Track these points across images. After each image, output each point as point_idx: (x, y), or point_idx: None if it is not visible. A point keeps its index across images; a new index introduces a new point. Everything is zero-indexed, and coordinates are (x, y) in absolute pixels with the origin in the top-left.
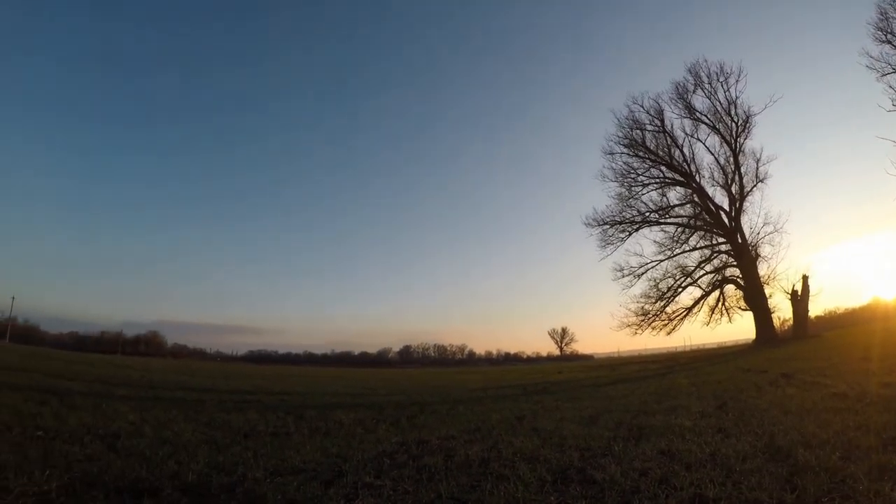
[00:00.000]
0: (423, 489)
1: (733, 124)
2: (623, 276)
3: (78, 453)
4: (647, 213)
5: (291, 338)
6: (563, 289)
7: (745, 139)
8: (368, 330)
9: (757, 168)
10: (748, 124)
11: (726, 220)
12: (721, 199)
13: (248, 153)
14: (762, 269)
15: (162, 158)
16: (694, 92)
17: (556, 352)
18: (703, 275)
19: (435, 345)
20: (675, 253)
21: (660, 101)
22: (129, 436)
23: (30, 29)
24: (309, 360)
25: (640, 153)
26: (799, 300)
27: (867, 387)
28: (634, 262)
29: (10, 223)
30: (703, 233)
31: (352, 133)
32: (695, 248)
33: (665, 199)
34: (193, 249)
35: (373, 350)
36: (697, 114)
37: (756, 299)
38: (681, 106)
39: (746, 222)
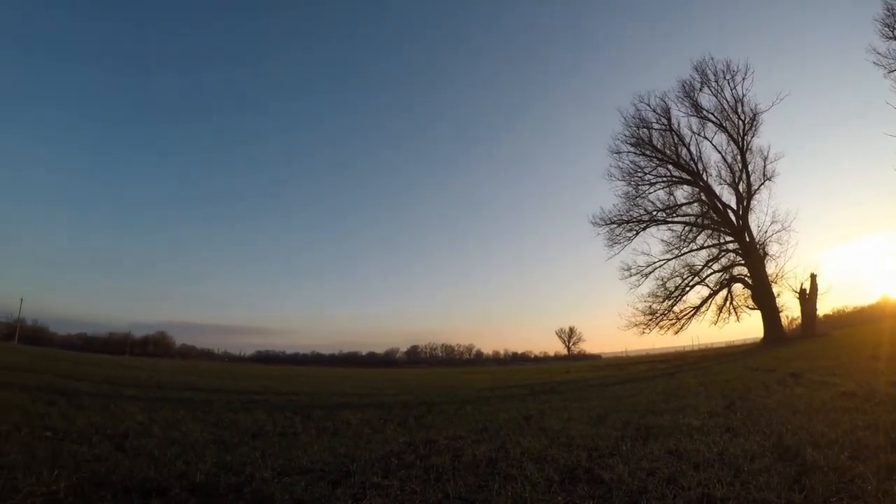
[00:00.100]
0: (430, 489)
1: (740, 122)
2: (630, 276)
3: (86, 453)
4: (655, 212)
5: (299, 338)
6: (571, 288)
7: (752, 137)
8: (375, 330)
9: (764, 166)
10: (755, 122)
11: (734, 219)
12: (728, 197)
13: (248, 153)
14: (770, 268)
15: (162, 158)
16: (700, 90)
17: (564, 351)
18: (711, 273)
19: (442, 345)
20: (682, 252)
21: (666, 99)
22: (137, 436)
23: (30, 28)
24: (316, 360)
25: (647, 152)
26: (807, 299)
27: (876, 386)
28: (642, 261)
29: (17, 224)
30: (710, 231)
31: (352, 133)
32: (702, 247)
33: (672, 197)
34: (198, 250)
35: (380, 350)
36: (704, 112)
37: (764, 298)
38: (687, 104)
39: (754, 221)
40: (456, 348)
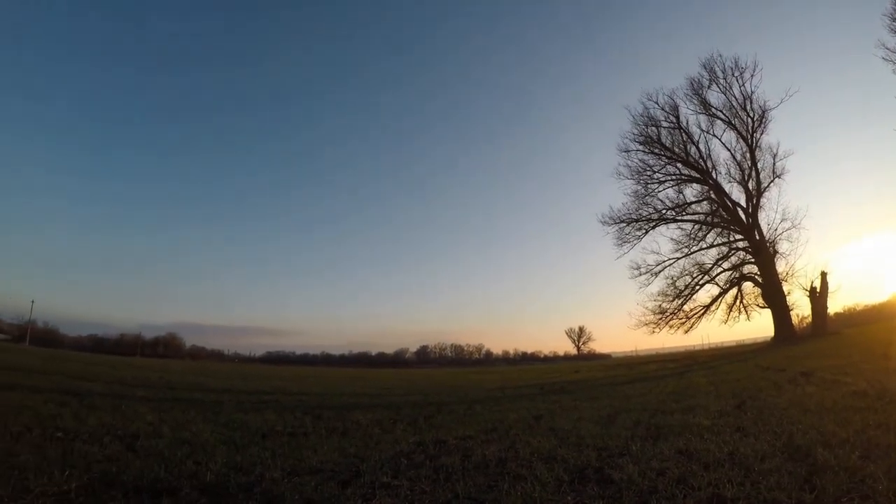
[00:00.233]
0: (440, 489)
1: (749, 119)
2: (640, 275)
3: (97, 454)
4: (664, 211)
5: (308, 339)
6: (580, 288)
7: (761, 134)
8: (385, 330)
9: (774, 163)
10: (764, 119)
11: (743, 217)
12: (738, 195)
13: (248, 153)
14: (780, 266)
15: (162, 158)
16: (709, 87)
17: (574, 351)
18: (721, 272)
19: (452, 345)
20: (692, 250)
21: (674, 97)
22: (147, 436)
23: (30, 28)
24: (326, 360)
25: (656, 150)
26: (818, 297)
27: (888, 384)
28: (651, 260)
29: (20, 225)
30: (720, 230)
31: (352, 133)
32: (712, 246)
33: (681, 196)
34: (203, 251)
35: (390, 350)
36: (713, 109)
37: (774, 296)
38: (696, 102)
39: (764, 218)
40: (465, 348)
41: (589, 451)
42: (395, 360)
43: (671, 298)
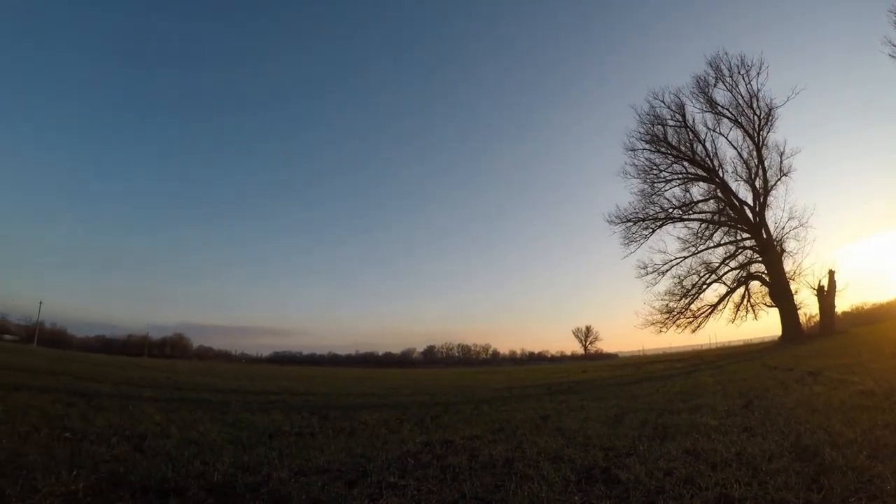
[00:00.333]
0: (447, 489)
1: (755, 117)
2: (647, 274)
3: (105, 454)
4: (671, 210)
5: (315, 339)
6: (587, 287)
7: (768, 132)
8: (392, 330)
9: (781, 162)
10: (771, 117)
11: (750, 216)
12: (745, 194)
13: (248, 153)
14: (788, 265)
15: (162, 158)
16: (715, 85)
17: (581, 351)
18: (728, 271)
19: (459, 345)
20: (699, 249)
21: (680, 95)
22: (155, 436)
23: (30, 28)
24: (333, 360)
25: (662, 149)
26: (825, 296)
27: None
28: (658, 259)
29: (24, 225)
30: (727, 228)
31: (353, 133)
32: (719, 245)
33: (688, 194)
34: (210, 251)
35: (397, 350)
36: (719, 107)
37: (782, 295)
38: (702, 100)
39: (771, 217)
40: (472, 348)
41: (596, 451)
42: (402, 361)
43: (678, 298)
